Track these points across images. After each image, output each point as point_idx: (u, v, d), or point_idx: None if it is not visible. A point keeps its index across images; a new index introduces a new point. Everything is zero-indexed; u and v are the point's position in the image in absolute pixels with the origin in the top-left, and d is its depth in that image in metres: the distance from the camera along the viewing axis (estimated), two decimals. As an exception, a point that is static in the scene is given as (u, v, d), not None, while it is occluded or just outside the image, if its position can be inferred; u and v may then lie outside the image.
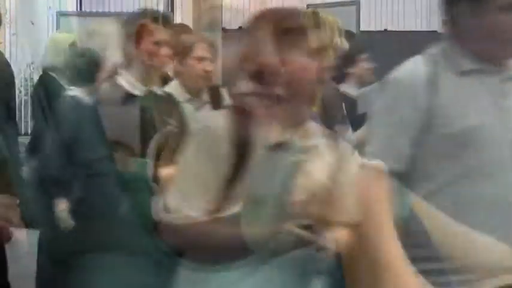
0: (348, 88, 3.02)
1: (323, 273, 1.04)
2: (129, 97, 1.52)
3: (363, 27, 5.98)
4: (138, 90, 1.20)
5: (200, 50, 2.10)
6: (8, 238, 1.23)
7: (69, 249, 1.44)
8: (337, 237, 0.97)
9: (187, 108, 1.79)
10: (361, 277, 1.00)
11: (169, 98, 1.63)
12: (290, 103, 1.06)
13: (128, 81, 1.45)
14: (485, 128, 1.31)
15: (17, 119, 3.11)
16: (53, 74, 2.98)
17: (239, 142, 1.02)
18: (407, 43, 4.33)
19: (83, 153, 1.54)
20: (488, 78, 1.35)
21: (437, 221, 1.22)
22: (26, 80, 6.60)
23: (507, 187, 1.30)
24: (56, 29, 5.93)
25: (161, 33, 1.55)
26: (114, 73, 1.53)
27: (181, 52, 2.00)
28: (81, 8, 7.02)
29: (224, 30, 4.08)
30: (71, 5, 7.00)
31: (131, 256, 1.17)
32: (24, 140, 2.90)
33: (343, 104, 2.61)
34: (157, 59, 1.54)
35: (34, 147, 2.64)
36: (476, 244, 1.28)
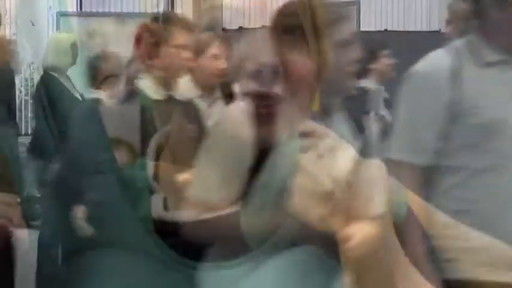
0: (369, 84, 3.01)
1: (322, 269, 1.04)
2: (149, 101, 1.52)
3: (363, 27, 5.98)
4: (158, 94, 1.20)
5: (215, 48, 2.09)
6: (9, 237, 1.23)
7: (72, 248, 1.45)
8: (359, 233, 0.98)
9: (200, 104, 1.79)
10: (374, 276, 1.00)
11: (189, 104, 1.63)
12: (290, 102, 1.06)
13: (147, 86, 1.45)
14: (510, 119, 1.31)
15: (17, 119, 3.12)
16: (55, 74, 2.99)
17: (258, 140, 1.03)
18: (407, 43, 4.33)
19: (100, 156, 1.54)
20: None
21: (435, 219, 1.23)
22: (26, 80, 6.60)
23: None
24: (56, 29, 5.93)
25: (182, 37, 1.54)
26: (134, 77, 1.53)
27: (196, 50, 1.99)
28: (81, 8, 7.01)
29: (224, 30, 4.10)
30: (71, 5, 6.99)
31: (131, 254, 1.18)
32: (24, 140, 2.91)
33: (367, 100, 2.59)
34: (179, 63, 1.53)
35: (35, 147, 2.65)
36: (475, 243, 1.29)
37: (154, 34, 1.29)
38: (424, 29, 7.20)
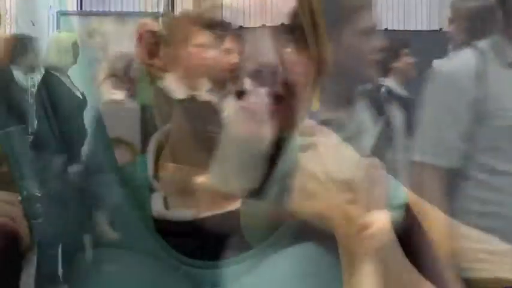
0: (390, 83, 2.97)
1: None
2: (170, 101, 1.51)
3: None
4: (181, 94, 1.18)
5: (227, 43, 2.08)
6: (12, 235, 1.23)
7: (72, 247, 1.45)
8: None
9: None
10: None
11: (209, 105, 1.62)
12: (289, 101, 1.07)
13: (170, 85, 1.43)
14: None
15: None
16: (56, 74, 3.00)
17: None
18: (407, 43, 4.34)
19: (114, 158, 1.53)
20: None
21: (433, 216, 1.23)
22: (26, 80, 6.62)
23: None
24: (57, 29, 5.94)
25: (205, 36, 1.53)
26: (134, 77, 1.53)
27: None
28: (81, 8, 7.02)
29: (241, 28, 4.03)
30: (71, 5, 7.00)
31: (131, 253, 1.18)
32: (24, 140, 2.91)
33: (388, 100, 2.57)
34: (201, 63, 1.52)
35: (36, 147, 2.66)
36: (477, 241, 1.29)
37: (154, 34, 1.29)
38: (424, 29, 7.21)
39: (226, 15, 1.12)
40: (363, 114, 1.15)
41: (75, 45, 3.17)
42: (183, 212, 1.11)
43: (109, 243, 1.18)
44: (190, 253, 1.09)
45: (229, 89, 1.07)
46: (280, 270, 1.06)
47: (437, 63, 1.46)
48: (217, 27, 1.10)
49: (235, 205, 1.08)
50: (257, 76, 1.04)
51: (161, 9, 1.19)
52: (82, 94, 3.01)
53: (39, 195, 1.40)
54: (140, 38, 1.17)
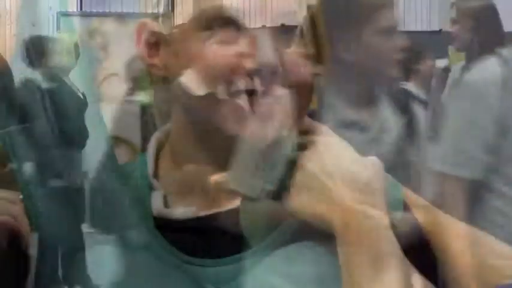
0: (411, 86, 2.92)
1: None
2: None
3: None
4: (200, 91, 1.18)
5: (242, 43, 2.07)
6: (14, 233, 1.24)
7: (72, 246, 1.46)
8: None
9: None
10: None
11: (229, 102, 1.62)
12: (288, 101, 1.07)
13: (190, 82, 1.43)
14: None
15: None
16: (58, 74, 3.01)
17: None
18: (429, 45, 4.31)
19: (114, 157, 1.54)
20: None
21: (454, 228, 1.22)
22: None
23: None
24: (57, 30, 5.95)
25: (226, 34, 1.52)
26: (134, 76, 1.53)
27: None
28: (81, 8, 7.03)
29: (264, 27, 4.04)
30: (71, 6, 7.01)
31: (131, 251, 1.18)
32: (25, 140, 2.92)
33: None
34: (222, 61, 1.51)
35: (37, 147, 2.67)
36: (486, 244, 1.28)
37: (155, 34, 1.29)
38: (424, 29, 7.20)
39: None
40: (386, 115, 1.14)
41: (76, 46, 3.18)
42: (183, 211, 1.12)
43: (109, 242, 1.19)
44: (191, 251, 1.09)
45: (239, 88, 1.07)
46: (280, 269, 1.06)
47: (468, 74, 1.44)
48: (233, 26, 1.10)
49: (235, 203, 1.09)
50: (256, 75, 1.05)
51: (161, 10, 1.20)
52: (83, 94, 3.02)
53: (40, 194, 1.40)
54: (140, 38, 1.18)
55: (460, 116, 1.38)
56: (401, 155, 1.30)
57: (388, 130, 1.15)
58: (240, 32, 1.10)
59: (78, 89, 3.16)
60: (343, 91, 1.20)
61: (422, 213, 1.16)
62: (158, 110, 1.62)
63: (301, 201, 1.01)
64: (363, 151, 1.01)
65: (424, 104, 3.02)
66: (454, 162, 1.32)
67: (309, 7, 1.15)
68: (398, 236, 1.05)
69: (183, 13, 1.18)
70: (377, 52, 1.25)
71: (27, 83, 3.38)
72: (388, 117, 1.17)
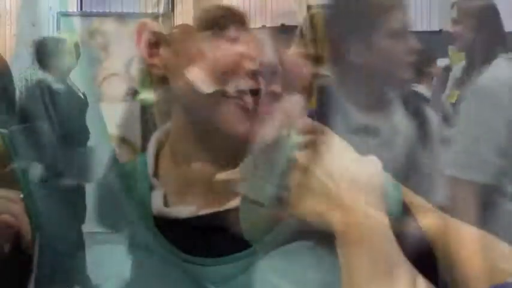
0: (424, 90, 2.89)
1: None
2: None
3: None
4: (208, 89, 1.18)
5: (246, 41, 2.06)
6: (14, 232, 1.24)
7: (72, 245, 1.46)
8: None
9: None
10: None
11: (236, 101, 1.61)
12: (288, 100, 1.08)
13: (197, 79, 1.41)
14: None
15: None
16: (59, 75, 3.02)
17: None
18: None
19: (115, 156, 1.54)
20: None
21: (465, 233, 1.21)
22: (26, 80, 6.62)
23: None
24: (57, 30, 5.95)
25: (235, 31, 1.50)
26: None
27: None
28: (81, 8, 7.03)
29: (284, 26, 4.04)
30: (71, 6, 7.01)
31: (131, 250, 1.19)
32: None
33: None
34: (231, 58, 1.49)
35: (38, 147, 2.67)
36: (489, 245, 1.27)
37: (155, 34, 1.29)
38: (424, 29, 7.20)
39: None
40: (397, 118, 1.14)
41: (77, 46, 3.19)
42: (183, 210, 1.12)
43: (109, 241, 1.19)
44: (190, 250, 1.10)
45: (242, 87, 1.07)
46: (279, 268, 1.06)
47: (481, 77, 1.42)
48: (242, 23, 1.10)
49: (234, 202, 1.09)
50: (256, 75, 1.05)
51: (161, 10, 1.20)
52: (83, 94, 3.03)
53: (41, 193, 1.40)
54: (140, 38, 1.18)
55: (472, 119, 1.37)
56: (413, 159, 1.29)
57: (400, 134, 1.14)
58: (247, 30, 1.10)
59: (78, 89, 3.17)
60: (354, 95, 1.20)
61: (428, 217, 1.16)
62: (158, 109, 1.63)
63: (301, 201, 1.02)
64: (374, 155, 1.00)
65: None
66: (466, 165, 1.31)
67: (309, 7, 1.15)
68: (398, 236, 1.06)
69: (183, 13, 1.18)
70: (388, 55, 1.24)
71: (40, 83, 3.39)
72: (400, 121, 1.16)
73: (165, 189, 1.15)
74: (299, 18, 1.11)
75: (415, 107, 1.56)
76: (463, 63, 2.88)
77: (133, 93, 1.63)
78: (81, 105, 2.95)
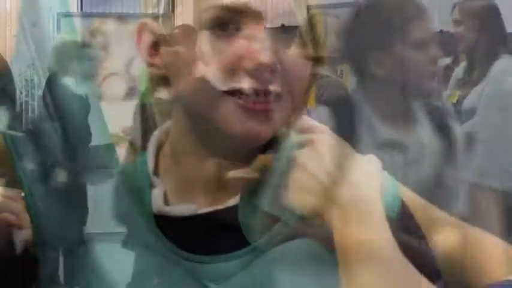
0: (449, 102, 2.92)
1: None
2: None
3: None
4: (223, 85, 1.17)
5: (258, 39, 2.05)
6: (13, 229, 1.24)
7: (72, 244, 1.46)
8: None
9: None
10: None
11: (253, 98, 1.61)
12: (287, 100, 1.08)
13: (212, 76, 1.40)
14: None
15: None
16: (60, 75, 3.01)
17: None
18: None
19: (115, 156, 1.54)
20: None
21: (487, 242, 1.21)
22: (26, 81, 6.61)
23: None
24: (58, 30, 5.95)
25: (250, 28, 1.49)
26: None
27: None
28: (82, 9, 7.02)
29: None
30: (72, 6, 7.00)
31: (131, 247, 1.19)
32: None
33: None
34: (248, 55, 1.48)
35: (39, 146, 2.67)
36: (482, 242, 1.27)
37: (155, 33, 1.30)
38: (424, 29, 7.19)
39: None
40: (424, 133, 1.12)
41: (77, 46, 3.19)
42: (183, 208, 1.12)
43: (110, 239, 1.19)
44: (190, 248, 1.10)
45: (244, 87, 1.07)
46: (279, 265, 1.07)
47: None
48: (259, 20, 1.09)
49: (234, 201, 1.09)
50: (255, 74, 1.05)
51: (161, 10, 1.20)
52: (85, 95, 3.03)
53: (42, 193, 1.41)
54: (140, 38, 1.18)
55: (492, 124, 1.36)
56: (439, 174, 1.27)
57: (427, 150, 1.13)
58: (262, 29, 1.08)
59: (80, 90, 3.17)
60: (379, 108, 1.18)
61: (447, 231, 1.16)
62: (158, 109, 1.63)
63: (299, 199, 1.02)
64: (402, 172, 0.98)
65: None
66: (489, 173, 1.29)
67: (308, 7, 1.16)
68: (396, 234, 1.06)
69: (183, 13, 1.18)
70: (411, 66, 1.24)
71: (63, 87, 3.39)
72: (427, 136, 1.15)
73: (165, 187, 1.16)
74: (299, 18, 1.11)
75: (440, 120, 1.55)
76: (464, 63, 2.88)
77: (133, 92, 1.64)
78: (84, 106, 2.96)
